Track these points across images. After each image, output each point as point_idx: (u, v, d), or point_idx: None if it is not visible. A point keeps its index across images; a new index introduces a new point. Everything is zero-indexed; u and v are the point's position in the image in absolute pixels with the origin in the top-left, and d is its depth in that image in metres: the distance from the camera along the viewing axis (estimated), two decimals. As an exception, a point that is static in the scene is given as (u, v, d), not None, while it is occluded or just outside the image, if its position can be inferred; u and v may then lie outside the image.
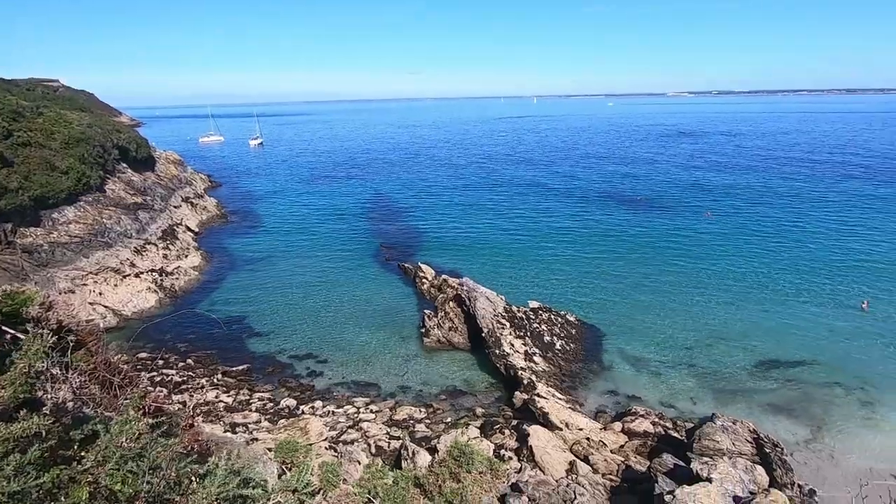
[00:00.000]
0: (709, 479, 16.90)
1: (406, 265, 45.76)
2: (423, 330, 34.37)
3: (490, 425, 25.35)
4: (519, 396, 26.57)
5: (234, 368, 30.60)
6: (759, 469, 18.91)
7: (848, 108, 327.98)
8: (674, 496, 15.25)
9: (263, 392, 28.46)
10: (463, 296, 34.40)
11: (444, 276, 41.64)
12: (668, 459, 19.50)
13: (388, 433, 24.72)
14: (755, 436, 21.02)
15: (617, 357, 31.29)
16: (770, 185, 78.63)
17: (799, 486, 19.90)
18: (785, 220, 58.78)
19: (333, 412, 26.55)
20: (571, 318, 35.06)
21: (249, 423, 25.17)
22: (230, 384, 29.03)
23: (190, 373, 29.98)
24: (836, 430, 23.93)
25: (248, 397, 27.85)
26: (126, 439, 3.96)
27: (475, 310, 32.83)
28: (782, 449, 20.28)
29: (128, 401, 4.56)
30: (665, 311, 36.44)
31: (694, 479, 17.56)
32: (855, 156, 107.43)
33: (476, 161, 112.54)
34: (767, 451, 19.94)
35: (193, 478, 3.70)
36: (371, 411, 26.69)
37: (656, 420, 24.50)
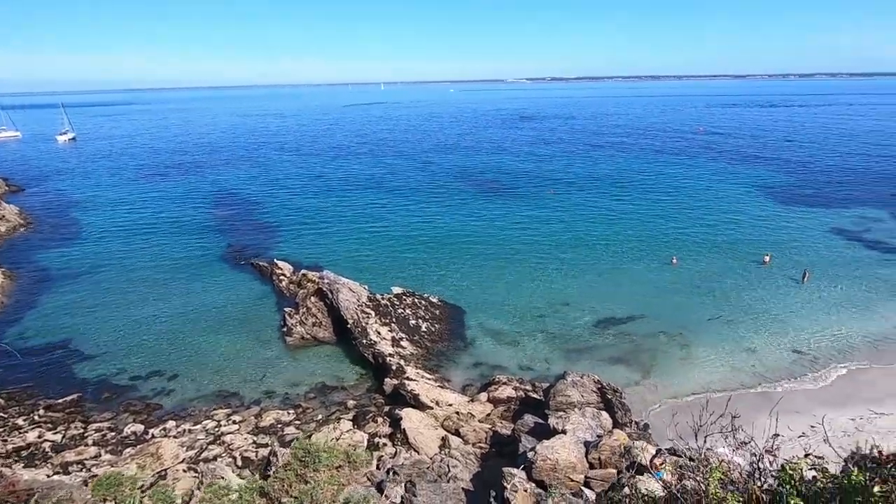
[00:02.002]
0: (564, 431, 18.71)
1: (261, 263, 43.21)
2: (284, 329, 32.86)
3: (363, 415, 25.22)
4: (389, 382, 26.76)
5: (59, 401, 26.44)
6: (605, 414, 21.39)
7: (653, 93, 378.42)
8: (535, 451, 16.61)
9: (101, 422, 25.05)
10: (325, 289, 33.51)
11: (303, 271, 40.14)
12: (529, 419, 21.17)
13: (254, 442, 23.36)
14: (599, 385, 23.65)
15: (479, 332, 32.97)
16: (598, 162, 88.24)
17: (636, 422, 22.91)
18: (612, 194, 66.42)
19: (190, 430, 24.33)
20: (435, 300, 36.07)
21: (86, 460, 22.04)
22: (56, 419, 25.06)
23: (1, 414, 25.26)
24: (661, 370, 27.94)
25: (81, 431, 24.30)
26: None
27: (338, 302, 32.21)
28: (621, 393, 23.12)
29: None
30: (518, 285, 39.17)
31: (552, 432, 19.31)
32: (663, 132, 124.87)
33: (328, 151, 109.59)
34: (610, 397, 22.59)
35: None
36: (234, 422, 24.96)
37: (517, 385, 26.40)
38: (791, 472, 5.43)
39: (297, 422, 25.03)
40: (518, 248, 47.10)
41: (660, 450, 18.36)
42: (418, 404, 24.79)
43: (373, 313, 32.22)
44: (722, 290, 37.34)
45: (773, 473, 5.65)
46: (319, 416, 25.43)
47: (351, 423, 24.57)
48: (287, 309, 33.99)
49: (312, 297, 33.97)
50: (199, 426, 24.65)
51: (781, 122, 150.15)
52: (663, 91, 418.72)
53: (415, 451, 21.66)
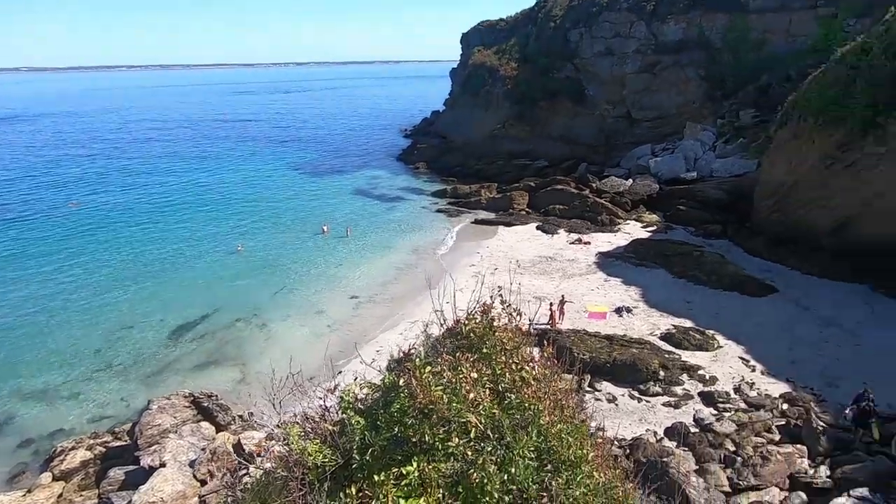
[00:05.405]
0: (163, 464, 16.68)
1: None
2: None
3: None
4: None
5: None
6: (205, 424, 20.23)
7: (167, 83, 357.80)
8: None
9: None
10: None
11: None
12: (118, 473, 17.84)
13: None
14: (192, 398, 21.98)
15: (15, 402, 25.08)
16: (127, 162, 78.41)
17: (240, 416, 22.59)
18: (155, 194, 60.53)
19: None
20: (-80, 389, 25.06)
21: None
22: None
23: None
24: (249, 356, 28.10)
25: None
26: None
27: None
28: (217, 396, 22.20)
29: None
30: (55, 326, 31.36)
31: (150, 472, 16.92)
32: (196, 122, 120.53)
33: None
34: (206, 405, 21.36)
35: None
36: None
37: (91, 443, 21.64)
38: (347, 397, 6.32)
39: None
40: (44, 280, 37.42)
41: (270, 433, 18.78)
42: (-64, 540, 17.22)
43: None
44: (286, 264, 40.11)
45: (337, 405, 6.47)
46: None
47: None
48: None
49: None
50: None
51: (293, 105, 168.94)
52: (177, 81, 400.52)
53: None
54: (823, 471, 16.98)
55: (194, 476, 15.64)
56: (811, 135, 34.46)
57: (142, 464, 17.01)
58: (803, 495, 16.10)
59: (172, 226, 49.73)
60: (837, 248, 32.47)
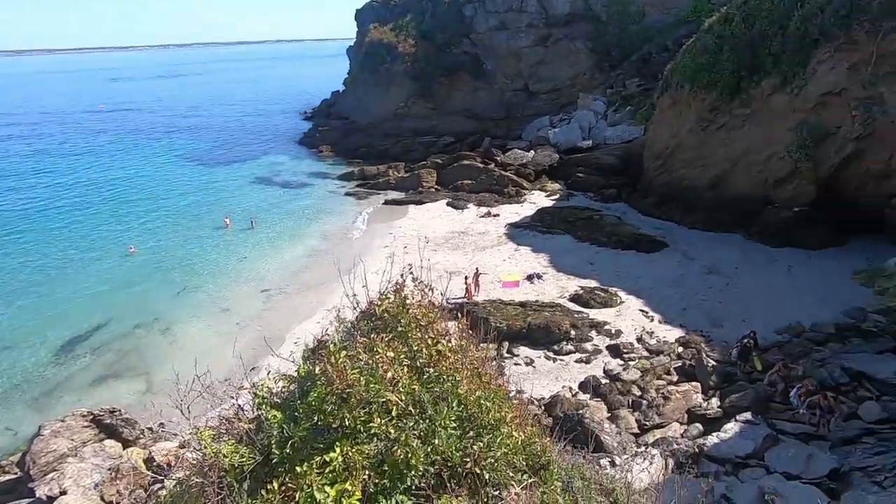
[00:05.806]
0: (64, 492, 15.27)
1: None
2: None
3: None
4: None
5: None
6: (109, 442, 18.73)
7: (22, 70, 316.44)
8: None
9: None
10: None
11: None
12: (9, 509, 16.11)
13: None
14: (91, 416, 20.18)
15: None
16: None
17: (150, 429, 21.12)
18: (23, 197, 53.84)
19: None
20: None
21: None
22: None
23: None
24: (153, 363, 26.13)
25: None
26: None
27: None
28: (120, 411, 20.48)
29: None
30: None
31: (50, 502, 15.45)
32: (62, 114, 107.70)
33: None
34: (107, 421, 19.69)
35: None
36: None
37: (-26, 481, 19.35)
38: (261, 392, 6.11)
39: None
40: None
41: (182, 441, 17.75)
42: None
43: None
44: (186, 263, 37.47)
45: (251, 402, 6.22)
46: None
47: None
48: None
49: None
50: None
51: (179, 91, 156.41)
52: (34, 67, 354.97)
53: None
54: (715, 402, 19.04)
55: (102, 499, 14.46)
56: (688, 100, 37.49)
57: (38, 495, 15.44)
58: (699, 426, 17.98)
59: (51, 232, 44.49)
60: (714, 202, 35.92)
